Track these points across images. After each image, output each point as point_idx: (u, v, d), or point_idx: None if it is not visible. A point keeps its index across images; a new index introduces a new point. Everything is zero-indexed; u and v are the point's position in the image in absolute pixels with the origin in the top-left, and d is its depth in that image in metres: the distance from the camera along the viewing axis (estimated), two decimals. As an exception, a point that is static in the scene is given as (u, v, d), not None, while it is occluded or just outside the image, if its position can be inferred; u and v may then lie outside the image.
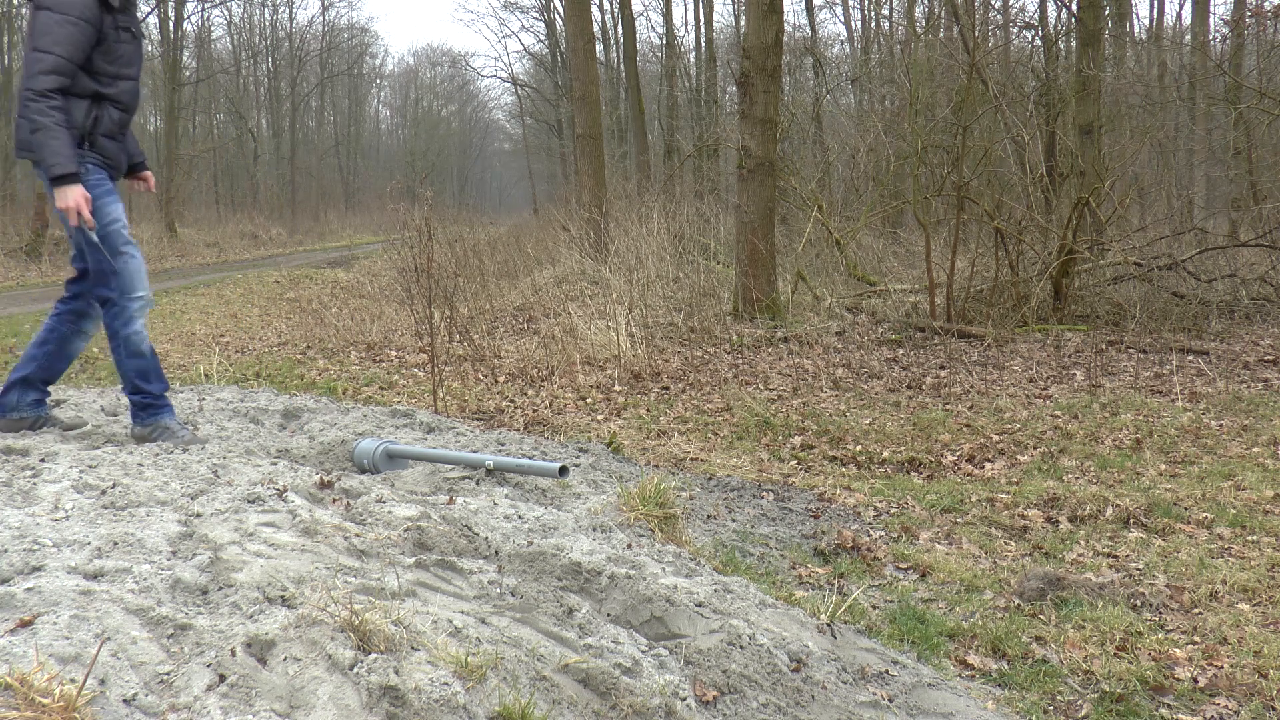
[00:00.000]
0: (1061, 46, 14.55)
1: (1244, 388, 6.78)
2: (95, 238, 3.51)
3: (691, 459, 5.29)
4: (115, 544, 2.39)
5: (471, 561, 2.67)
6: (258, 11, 43.24)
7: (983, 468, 5.19)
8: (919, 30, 16.87)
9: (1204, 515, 4.23)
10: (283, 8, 44.71)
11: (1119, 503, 4.33)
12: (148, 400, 3.80)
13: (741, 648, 2.37)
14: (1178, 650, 2.96)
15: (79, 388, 5.88)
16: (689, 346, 8.66)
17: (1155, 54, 18.11)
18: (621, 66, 28.49)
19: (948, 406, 6.48)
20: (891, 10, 23.42)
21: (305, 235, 31.83)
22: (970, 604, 3.35)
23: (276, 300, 14.20)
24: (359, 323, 10.03)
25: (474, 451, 4.16)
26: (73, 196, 3.36)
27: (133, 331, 3.67)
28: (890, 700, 2.45)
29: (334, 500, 3.09)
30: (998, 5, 16.79)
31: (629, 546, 2.96)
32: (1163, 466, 5.05)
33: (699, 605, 2.55)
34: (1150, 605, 3.30)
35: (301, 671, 1.86)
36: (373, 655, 1.92)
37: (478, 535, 2.83)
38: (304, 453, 3.95)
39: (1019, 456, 5.34)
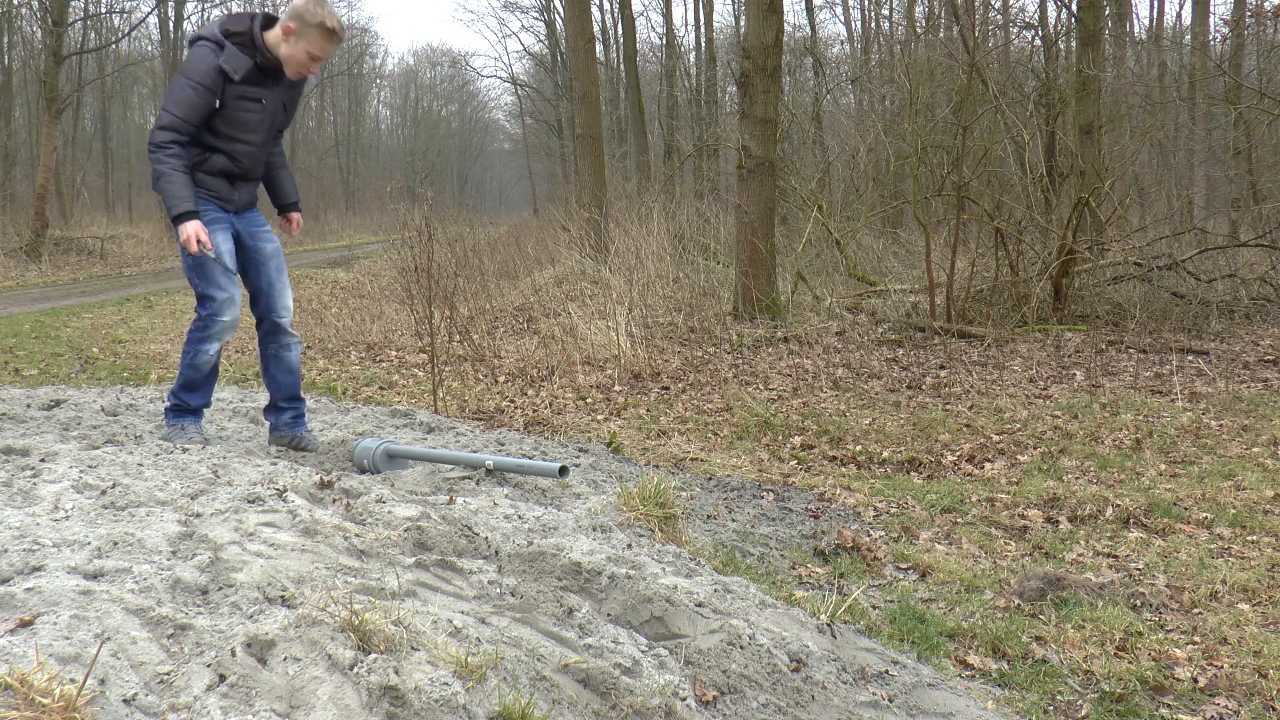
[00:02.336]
0: (1061, 46, 14.54)
1: (1244, 388, 6.78)
2: (194, 261, 3.74)
3: (691, 459, 5.29)
4: (115, 544, 2.39)
5: (471, 561, 2.67)
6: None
7: (983, 468, 5.19)
8: (919, 30, 16.87)
9: (1204, 515, 4.23)
10: (282, 8, 44.65)
11: (1119, 503, 4.33)
12: (181, 406, 3.98)
13: (741, 648, 2.37)
14: (1178, 650, 2.96)
15: (79, 388, 5.87)
16: (689, 346, 8.66)
17: (1155, 54, 18.12)
18: (621, 66, 28.49)
19: (948, 406, 6.48)
20: (891, 10, 23.42)
21: (305, 235, 31.78)
22: (970, 604, 3.35)
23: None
24: (359, 323, 10.04)
25: (474, 451, 4.16)
26: (186, 231, 3.63)
27: (203, 348, 3.86)
28: (890, 700, 2.45)
29: (334, 500, 3.09)
30: (998, 5, 16.79)
31: (629, 546, 2.96)
32: (1163, 466, 5.05)
33: (699, 605, 2.55)
34: (1150, 605, 3.30)
35: (301, 671, 1.86)
36: (373, 655, 1.92)
37: (478, 535, 2.83)
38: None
39: (1019, 456, 5.34)
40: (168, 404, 4.02)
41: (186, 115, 3.63)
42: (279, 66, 3.76)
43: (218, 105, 3.67)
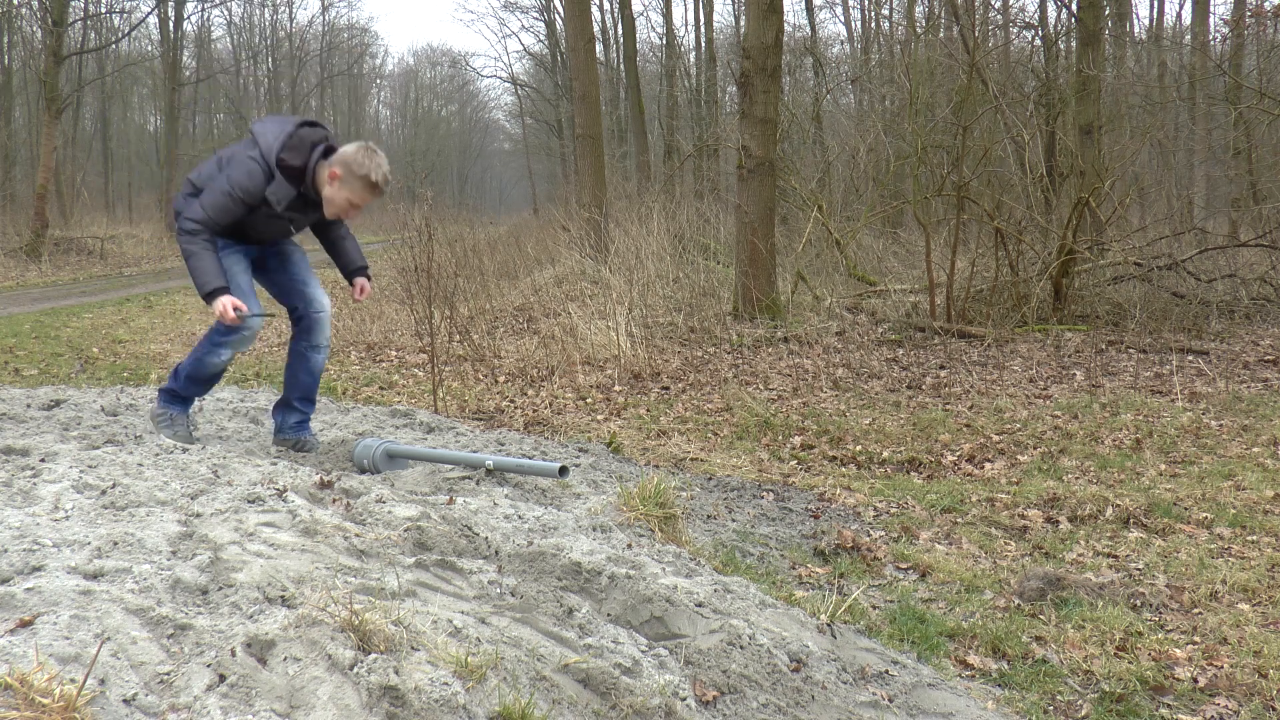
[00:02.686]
0: (1061, 46, 14.54)
1: (1244, 388, 6.78)
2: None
3: (691, 459, 5.29)
4: (115, 544, 2.39)
5: (471, 561, 2.67)
6: (258, 11, 43.27)
7: (983, 468, 5.19)
8: (919, 30, 16.87)
9: (1204, 515, 4.23)
10: (283, 8, 44.64)
11: (1119, 503, 4.33)
12: (176, 390, 4.00)
13: (741, 648, 2.37)
14: (1178, 650, 2.96)
15: (79, 388, 5.88)
16: (689, 346, 8.66)
17: (1155, 54, 18.12)
18: (621, 66, 28.48)
19: (948, 406, 6.48)
20: (891, 10, 23.41)
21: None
22: (970, 604, 3.35)
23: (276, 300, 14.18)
24: (359, 323, 10.04)
25: (474, 451, 4.16)
26: (220, 306, 3.66)
27: (220, 352, 3.88)
28: (890, 700, 2.45)
29: (334, 500, 3.09)
30: (998, 5, 16.79)
31: (629, 546, 2.96)
32: (1163, 466, 5.05)
33: (699, 605, 2.55)
34: (1150, 605, 3.30)
35: (301, 671, 1.86)
36: (373, 655, 1.92)
37: (478, 535, 2.83)
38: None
39: (1019, 456, 5.34)
40: (164, 385, 4.03)
41: (218, 218, 3.69)
42: (320, 201, 3.81)
43: (248, 211, 3.75)
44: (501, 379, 7.49)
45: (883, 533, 4.11)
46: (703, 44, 29.02)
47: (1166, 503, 4.37)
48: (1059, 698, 2.71)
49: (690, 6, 72.16)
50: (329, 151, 3.74)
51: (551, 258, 14.54)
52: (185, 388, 3.98)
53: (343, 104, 51.20)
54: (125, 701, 1.71)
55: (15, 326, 10.51)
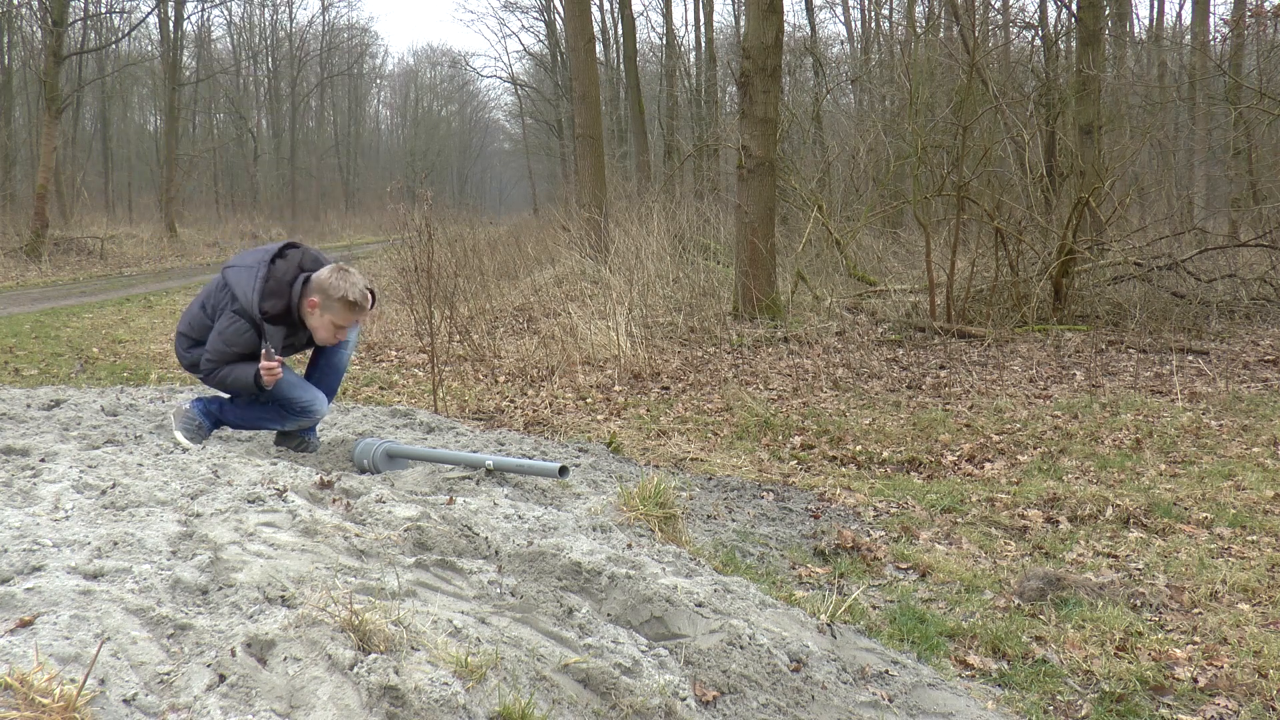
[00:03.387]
0: (1061, 46, 14.54)
1: (1244, 388, 6.78)
2: (278, 385, 3.86)
3: (691, 459, 5.29)
4: (115, 544, 2.39)
5: (471, 561, 2.67)
6: (258, 11, 43.27)
7: (983, 468, 5.19)
8: (919, 30, 16.87)
9: (1204, 515, 4.23)
10: (283, 8, 44.69)
11: (1119, 503, 4.33)
12: (218, 414, 4.03)
13: (741, 648, 2.37)
14: (1178, 650, 2.96)
15: (79, 388, 5.88)
16: (689, 346, 8.66)
17: (1155, 54, 18.13)
18: (621, 66, 28.48)
19: (948, 406, 6.48)
20: (891, 10, 23.41)
21: (305, 235, 31.75)
22: (970, 604, 3.35)
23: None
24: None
25: (474, 451, 4.16)
26: (265, 377, 3.75)
27: (279, 420, 3.95)
28: (890, 700, 2.45)
29: (334, 500, 3.09)
30: (998, 5, 16.79)
31: (629, 546, 2.96)
32: (1163, 466, 5.05)
33: (699, 605, 2.55)
34: (1150, 605, 3.30)
35: (301, 671, 1.86)
36: (373, 655, 1.92)
37: (478, 535, 2.83)
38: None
39: (1019, 456, 5.34)
40: (206, 398, 4.03)
41: (225, 355, 3.77)
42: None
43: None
44: (501, 379, 7.49)
45: (883, 533, 4.11)
46: (703, 44, 29.02)
47: (1166, 503, 4.37)
48: (1059, 698, 2.71)
49: (690, 6, 72.21)
50: (309, 279, 3.77)
51: (551, 258, 14.54)
52: (229, 420, 4.01)
53: (343, 104, 51.21)
54: (125, 701, 1.71)
55: (15, 326, 10.51)
